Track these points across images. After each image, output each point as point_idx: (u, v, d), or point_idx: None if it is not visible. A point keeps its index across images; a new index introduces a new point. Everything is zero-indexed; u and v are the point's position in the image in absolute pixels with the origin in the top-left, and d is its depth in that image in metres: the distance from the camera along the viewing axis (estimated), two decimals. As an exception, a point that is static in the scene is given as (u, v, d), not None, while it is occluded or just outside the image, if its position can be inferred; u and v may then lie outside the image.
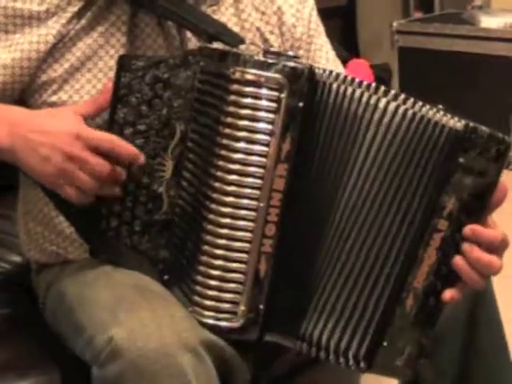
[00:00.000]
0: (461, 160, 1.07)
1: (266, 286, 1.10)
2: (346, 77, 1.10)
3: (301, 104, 1.07)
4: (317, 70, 1.09)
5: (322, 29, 1.38)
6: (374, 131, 1.09)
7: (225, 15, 1.28)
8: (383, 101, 1.08)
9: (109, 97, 1.14)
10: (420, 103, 1.08)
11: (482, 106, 3.32)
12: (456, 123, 1.07)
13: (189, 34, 1.23)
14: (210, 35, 1.18)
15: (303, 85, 1.07)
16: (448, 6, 3.98)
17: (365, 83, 1.10)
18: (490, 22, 3.44)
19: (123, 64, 1.14)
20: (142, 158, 1.13)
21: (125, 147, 1.12)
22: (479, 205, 1.08)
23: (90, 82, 1.20)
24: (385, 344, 1.11)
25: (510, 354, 1.34)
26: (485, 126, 1.07)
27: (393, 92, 1.09)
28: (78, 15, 1.20)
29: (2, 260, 1.59)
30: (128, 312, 1.06)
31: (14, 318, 1.42)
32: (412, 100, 1.08)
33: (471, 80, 3.40)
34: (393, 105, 1.08)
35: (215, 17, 1.26)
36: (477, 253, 1.07)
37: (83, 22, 1.20)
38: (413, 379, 1.31)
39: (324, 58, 1.35)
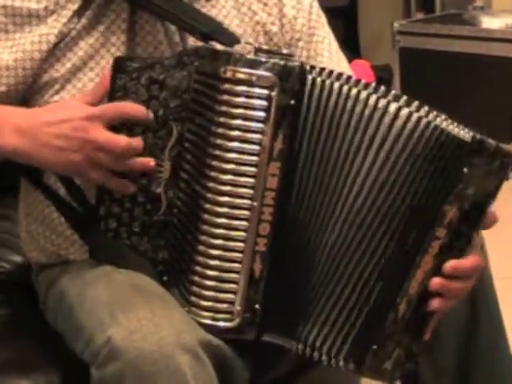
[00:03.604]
0: (465, 170, 1.07)
1: (262, 285, 1.11)
2: (340, 74, 1.10)
3: (292, 102, 1.08)
4: (308, 68, 1.09)
5: (324, 20, 1.37)
6: (373, 131, 1.09)
7: (225, 8, 1.28)
8: (383, 101, 1.08)
9: (107, 84, 1.14)
10: (426, 108, 1.08)
11: (483, 106, 3.32)
12: (464, 134, 1.08)
13: None
14: (204, 34, 1.18)
15: (294, 82, 1.07)
16: (449, 6, 3.97)
17: (362, 82, 1.10)
18: (491, 22, 3.44)
19: (118, 66, 1.14)
20: (148, 113, 1.13)
21: (129, 107, 1.13)
22: (478, 215, 1.08)
23: (93, 80, 1.20)
24: (374, 347, 1.12)
25: (510, 352, 1.34)
26: (492, 140, 1.07)
27: (393, 92, 1.09)
28: (78, 14, 1.20)
29: (2, 260, 1.59)
30: (127, 312, 1.06)
31: (14, 318, 1.41)
32: (416, 103, 1.08)
33: (472, 81, 3.40)
34: (393, 106, 1.08)
35: (214, 11, 1.26)
36: (450, 286, 1.09)
37: (84, 21, 1.20)
38: (413, 377, 1.32)
39: (326, 49, 1.34)
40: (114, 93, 1.14)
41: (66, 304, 1.21)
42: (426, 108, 1.08)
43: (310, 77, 1.09)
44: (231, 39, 1.19)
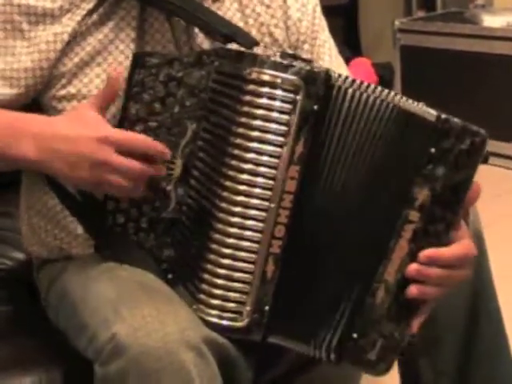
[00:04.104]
0: (432, 150, 1.06)
1: (273, 287, 1.10)
2: (361, 82, 1.10)
3: (316, 107, 1.08)
4: (333, 74, 1.09)
5: (325, 24, 1.38)
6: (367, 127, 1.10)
7: (230, 10, 1.28)
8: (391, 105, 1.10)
9: (116, 85, 1.13)
10: (398, 96, 1.10)
11: (484, 105, 3.32)
12: (428, 114, 1.08)
13: (196, 29, 1.23)
14: (225, 36, 1.18)
15: (319, 88, 1.08)
16: (450, 4, 3.98)
17: (379, 88, 1.10)
18: (492, 20, 3.44)
19: (137, 61, 1.14)
20: (168, 153, 1.12)
21: (155, 146, 1.11)
22: (454, 198, 1.07)
23: (99, 76, 1.20)
24: (355, 336, 1.11)
25: (510, 352, 1.34)
26: (458, 119, 1.07)
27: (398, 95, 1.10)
28: (91, 12, 1.20)
29: (3, 257, 1.59)
30: (131, 309, 1.06)
31: (16, 314, 1.41)
32: (393, 93, 1.10)
33: (473, 79, 3.40)
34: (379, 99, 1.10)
35: (220, 12, 1.26)
36: (429, 273, 1.08)
37: (94, 17, 1.20)
38: (414, 379, 1.32)
39: (327, 54, 1.36)
40: (131, 88, 1.14)
41: (69, 301, 1.21)
42: (398, 96, 1.10)
43: (336, 84, 1.09)
44: (250, 41, 1.19)
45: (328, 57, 1.35)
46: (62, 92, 1.20)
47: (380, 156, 1.10)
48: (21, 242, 1.40)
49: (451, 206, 1.07)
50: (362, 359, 1.12)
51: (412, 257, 1.08)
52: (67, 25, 1.18)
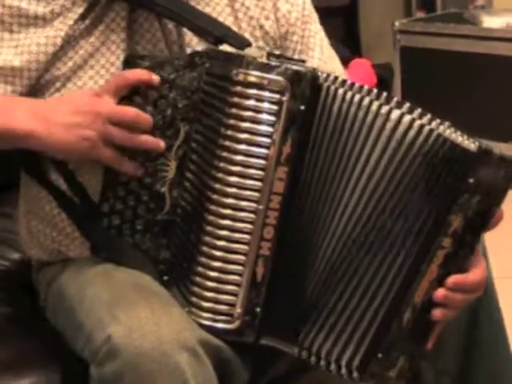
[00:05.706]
0: (470, 181, 1.07)
1: (264, 289, 1.10)
2: (351, 83, 1.10)
3: (302, 107, 1.08)
4: (320, 74, 1.09)
5: (315, 16, 1.38)
6: (374, 137, 1.08)
7: (219, 5, 1.28)
8: (385, 107, 1.08)
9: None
10: (428, 115, 1.07)
11: (483, 106, 3.32)
12: (469, 144, 1.07)
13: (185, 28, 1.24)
14: (216, 37, 1.19)
15: (305, 88, 1.07)
16: (450, 5, 3.97)
17: (365, 87, 1.09)
18: (492, 21, 3.43)
19: (128, 64, 1.15)
20: (152, 76, 1.14)
21: (132, 72, 1.14)
22: (482, 223, 1.09)
23: (93, 78, 1.21)
24: (379, 356, 1.12)
25: (511, 352, 1.34)
26: (496, 150, 1.07)
27: (395, 99, 1.08)
28: (83, 16, 1.21)
29: (2, 258, 1.59)
30: (127, 311, 1.06)
31: (14, 316, 1.41)
32: (419, 110, 1.07)
33: (473, 80, 3.40)
34: (396, 113, 1.07)
35: (208, 8, 1.26)
36: (453, 297, 1.10)
37: (87, 21, 1.21)
38: (414, 379, 1.32)
39: (318, 45, 1.35)
40: None
41: (66, 302, 1.21)
42: (428, 116, 1.07)
43: (321, 83, 1.09)
44: (242, 42, 1.20)
45: (319, 47, 1.35)
46: (56, 96, 1.21)
47: (405, 176, 1.08)
48: (19, 243, 1.41)
49: (478, 231, 1.09)
50: (383, 376, 1.13)
51: (439, 281, 1.09)
52: (60, 29, 1.19)
